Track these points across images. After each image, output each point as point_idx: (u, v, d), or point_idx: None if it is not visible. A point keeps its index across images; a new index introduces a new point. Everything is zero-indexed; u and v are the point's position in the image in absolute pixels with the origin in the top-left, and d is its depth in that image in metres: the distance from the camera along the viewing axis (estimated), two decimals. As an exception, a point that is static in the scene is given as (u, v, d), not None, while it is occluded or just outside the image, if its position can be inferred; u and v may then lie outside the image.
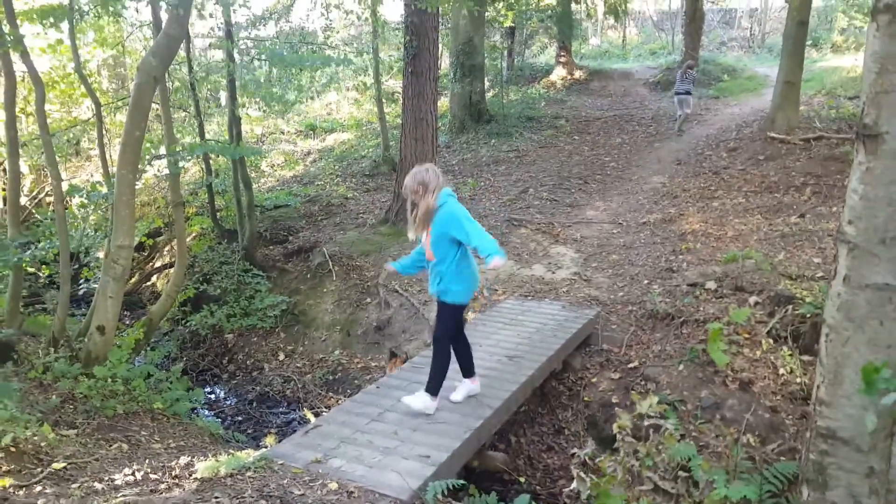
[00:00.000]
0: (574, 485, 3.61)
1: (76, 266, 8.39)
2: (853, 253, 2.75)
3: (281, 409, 6.21)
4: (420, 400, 3.73)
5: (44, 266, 8.58)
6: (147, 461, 3.27)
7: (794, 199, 8.12)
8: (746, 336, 4.97)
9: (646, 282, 6.40)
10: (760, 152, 10.08)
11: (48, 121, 6.16)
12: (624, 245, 7.70)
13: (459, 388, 3.98)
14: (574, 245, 7.87)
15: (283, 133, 15.97)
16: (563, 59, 18.47)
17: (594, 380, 5.17)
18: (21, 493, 2.75)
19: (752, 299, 5.44)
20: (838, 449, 2.89)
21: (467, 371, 3.97)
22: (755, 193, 8.63)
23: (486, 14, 14.82)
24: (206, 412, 6.20)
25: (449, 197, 3.59)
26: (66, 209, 6.06)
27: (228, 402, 6.49)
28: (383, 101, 12.92)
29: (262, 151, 11.87)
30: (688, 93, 12.54)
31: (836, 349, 2.87)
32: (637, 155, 11.96)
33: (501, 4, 14.81)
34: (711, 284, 5.86)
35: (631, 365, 5.15)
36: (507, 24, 16.71)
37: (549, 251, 7.85)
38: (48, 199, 11.74)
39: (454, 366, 3.90)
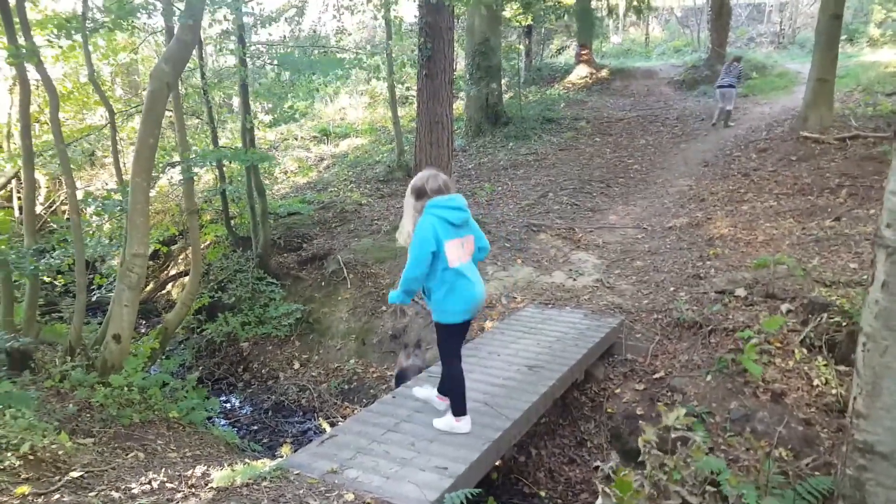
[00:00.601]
0: (599, 501, 3.61)
1: (91, 274, 8.59)
2: (892, 258, 2.73)
3: (296, 419, 6.29)
4: (444, 422, 3.69)
5: (59, 275, 8.81)
6: (163, 470, 3.35)
7: (828, 202, 8.02)
8: (778, 345, 4.93)
9: (672, 289, 6.37)
10: (792, 153, 9.97)
11: (62, 129, 6.34)
12: (649, 251, 7.67)
13: (429, 393, 3.96)
14: (596, 251, 7.86)
15: (296, 139, 16.18)
16: (583, 58, 18.46)
17: (618, 391, 5.16)
18: (40, 500, 2.84)
19: (785, 307, 5.40)
20: (877, 464, 2.86)
21: (442, 388, 3.86)
22: (787, 196, 8.54)
23: (503, 13, 14.89)
24: (222, 421, 6.31)
25: (430, 210, 3.33)
26: (81, 218, 6.23)
27: (244, 411, 6.59)
28: (397, 104, 13.01)
29: (275, 158, 12.04)
30: (731, 86, 12.48)
31: (873, 359, 2.84)
32: (662, 157, 11.90)
33: (518, 4, 14.88)
34: (741, 291, 5.82)
35: (656, 375, 5.13)
36: (525, 23, 16.78)
37: (569, 257, 7.85)
38: (63, 207, 12.05)
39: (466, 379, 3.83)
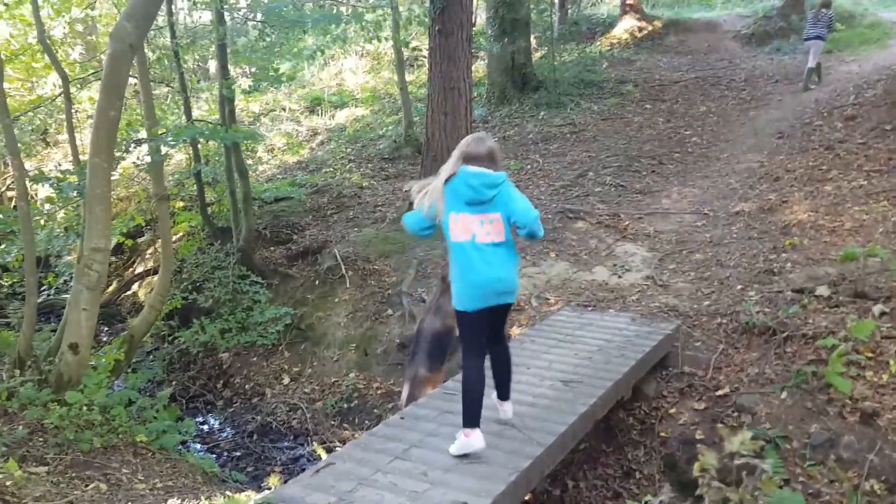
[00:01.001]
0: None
1: (42, 272, 8.70)
2: None
3: (286, 444, 6.33)
4: (456, 446, 3.69)
5: (4, 273, 8.95)
6: (129, 504, 3.40)
7: (931, 180, 7.86)
8: (870, 355, 4.86)
9: (739, 287, 6.30)
10: (887, 121, 9.77)
11: (7, 101, 6.43)
12: (710, 241, 7.57)
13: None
14: (646, 242, 7.79)
15: (284, 109, 16.24)
16: (630, 8, 18.25)
17: (672, 410, 5.12)
18: (-14, 539, 2.90)
19: (878, 308, 5.31)
20: None
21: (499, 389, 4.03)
22: (880, 174, 8.38)
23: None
24: (198, 446, 6.36)
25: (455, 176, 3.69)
26: (31, 206, 6.32)
27: (224, 435, 6.66)
28: (405, 67, 12.99)
29: (260, 134, 12.10)
30: (819, 38, 12.28)
31: None
32: (726, 127, 11.73)
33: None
34: (823, 290, 5.73)
35: (720, 392, 5.09)
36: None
37: (613, 250, 7.79)
38: (10, 193, 12.23)
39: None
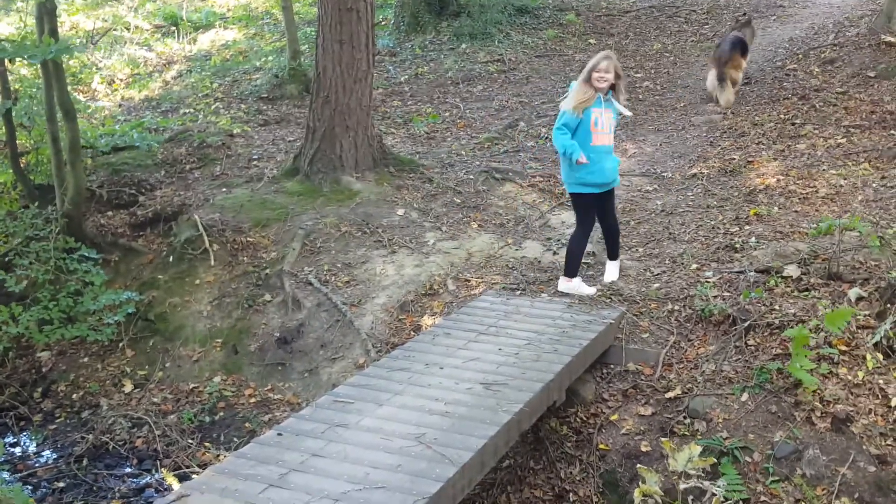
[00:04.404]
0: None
1: None
2: None
3: (127, 470, 6.15)
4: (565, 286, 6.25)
5: None
6: None
7: (918, 139, 8.34)
8: (843, 348, 5.11)
9: (694, 266, 6.49)
10: (870, 66, 10.30)
11: None
12: (662, 210, 7.78)
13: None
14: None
15: (128, 29, 15.62)
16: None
17: (614, 417, 5.24)
18: None
19: (853, 292, 5.58)
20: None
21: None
22: (861, 129, 8.83)
23: None
24: (6, 475, 6.11)
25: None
26: None
27: (43, 459, 6.41)
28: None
29: (87, 52, 11.50)
30: None
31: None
32: (684, 69, 12.07)
33: None
34: (793, 270, 5.98)
35: (670, 394, 5.23)
36: None
37: (548, 220, 7.88)
38: None
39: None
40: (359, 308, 6.77)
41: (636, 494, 3.42)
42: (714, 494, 3.38)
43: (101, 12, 15.88)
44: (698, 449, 4.05)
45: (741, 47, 10.42)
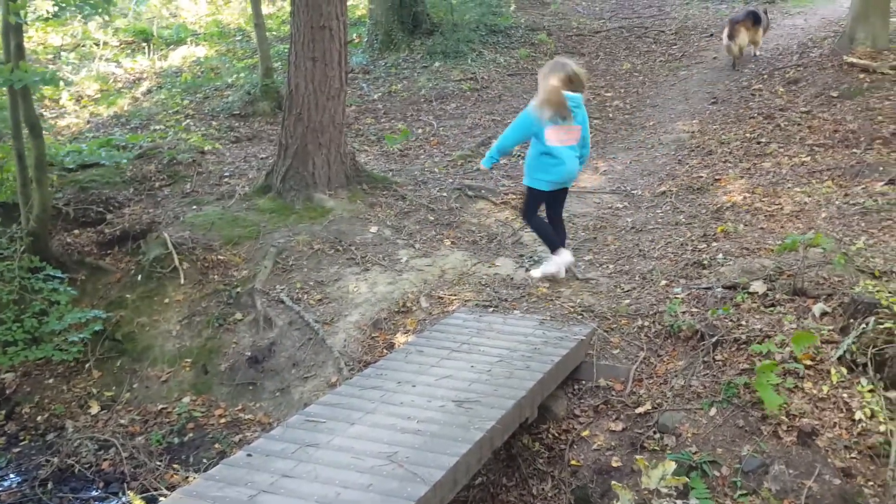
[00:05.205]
0: None
1: None
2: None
3: (94, 493, 6.08)
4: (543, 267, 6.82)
5: None
6: None
7: (881, 157, 8.50)
8: (809, 363, 5.19)
9: (663, 283, 6.57)
10: (833, 86, 10.52)
11: None
12: (632, 227, 7.87)
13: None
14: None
15: (97, 45, 15.53)
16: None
17: (586, 433, 5.26)
18: None
19: (818, 308, 5.67)
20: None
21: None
22: (824, 148, 9.00)
23: None
24: (-32, 500, 6.01)
25: None
26: None
27: (7, 483, 6.31)
28: (262, -3, 12.71)
29: (62, 77, 11.41)
30: None
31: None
32: (653, 89, 12.25)
33: None
34: (759, 286, 6.07)
35: (640, 409, 5.27)
36: None
37: (520, 237, 7.93)
38: None
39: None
40: (331, 326, 6.75)
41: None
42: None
43: (70, 29, 15.76)
44: (672, 466, 4.10)
45: (753, 17, 12.58)
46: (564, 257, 6.73)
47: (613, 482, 4.60)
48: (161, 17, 16.96)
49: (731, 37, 12.43)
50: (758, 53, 12.96)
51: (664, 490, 3.43)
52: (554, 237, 6.74)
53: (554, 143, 6.34)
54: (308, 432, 4.39)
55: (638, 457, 4.66)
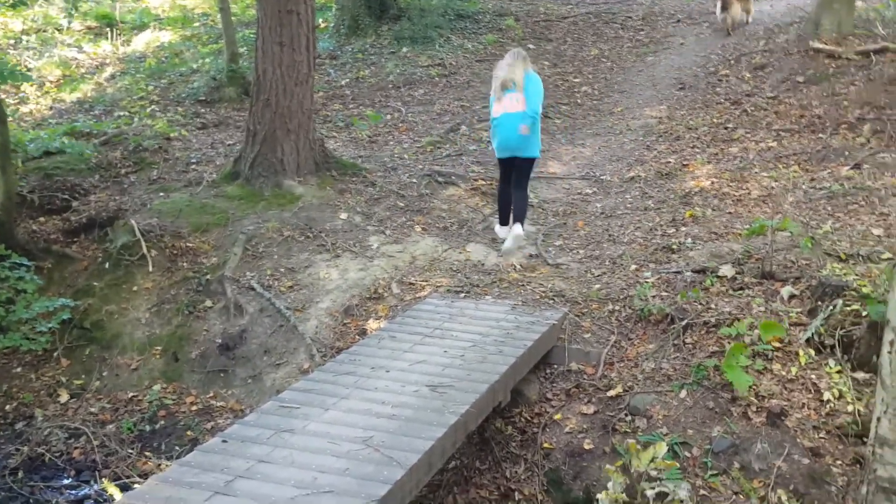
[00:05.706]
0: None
1: None
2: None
3: (65, 481, 6.01)
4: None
5: None
6: None
7: (846, 142, 8.65)
8: (777, 345, 5.28)
9: (633, 267, 6.63)
10: (799, 71, 10.66)
11: None
12: (602, 212, 7.92)
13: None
14: (529, 212, 8.03)
15: (59, 30, 15.20)
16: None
17: (558, 416, 5.31)
18: None
19: (786, 290, 5.77)
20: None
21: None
22: (791, 133, 9.13)
23: None
24: (-66, 492, 5.90)
25: None
26: None
27: (-25, 474, 6.19)
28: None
29: (23, 73, 11.19)
30: None
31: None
32: (621, 75, 12.30)
33: None
34: (727, 270, 6.15)
35: (611, 392, 5.33)
36: None
37: (491, 222, 7.94)
38: None
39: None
40: (303, 313, 6.72)
41: (603, 499, 3.44)
42: (682, 500, 3.43)
43: (29, 12, 15.44)
44: (664, 448, 4.12)
45: None
46: (501, 233, 7.45)
47: (606, 466, 4.65)
48: (124, 1, 16.66)
49: (724, 8, 13.04)
50: (749, 21, 13.40)
51: (654, 472, 3.45)
52: (503, 210, 7.46)
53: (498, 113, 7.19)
54: (283, 418, 4.37)
55: (631, 441, 4.72)
